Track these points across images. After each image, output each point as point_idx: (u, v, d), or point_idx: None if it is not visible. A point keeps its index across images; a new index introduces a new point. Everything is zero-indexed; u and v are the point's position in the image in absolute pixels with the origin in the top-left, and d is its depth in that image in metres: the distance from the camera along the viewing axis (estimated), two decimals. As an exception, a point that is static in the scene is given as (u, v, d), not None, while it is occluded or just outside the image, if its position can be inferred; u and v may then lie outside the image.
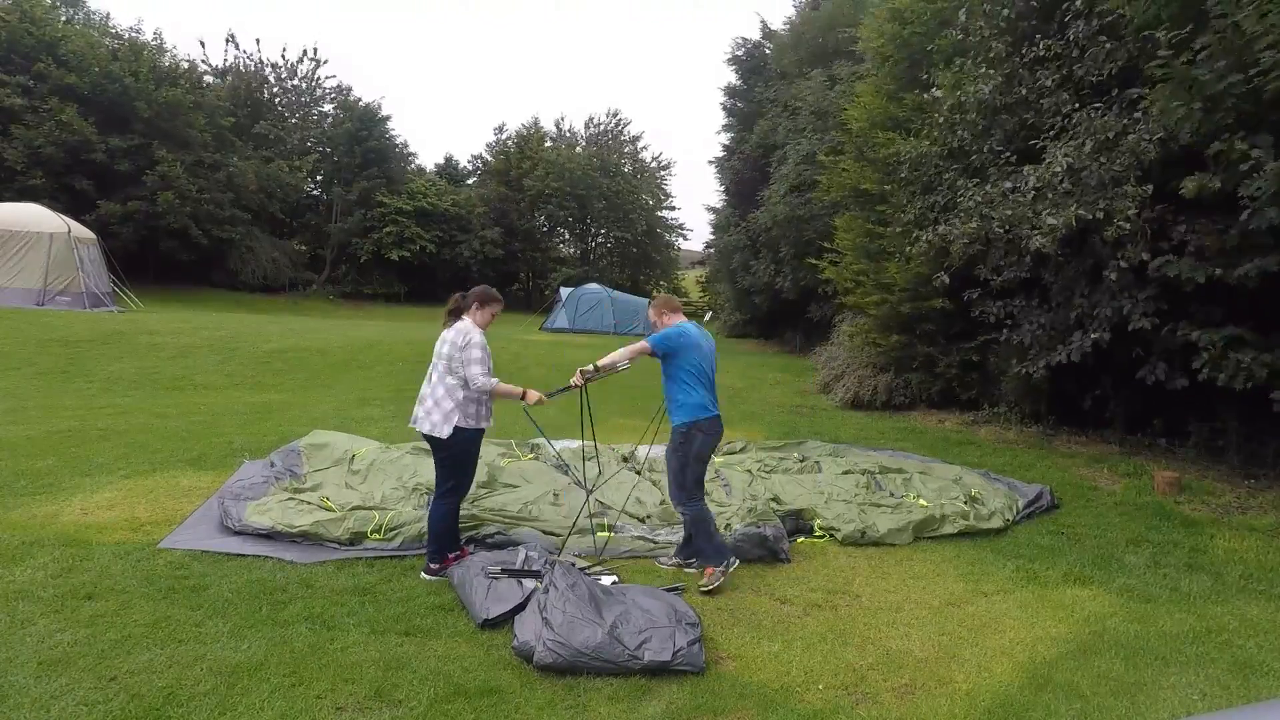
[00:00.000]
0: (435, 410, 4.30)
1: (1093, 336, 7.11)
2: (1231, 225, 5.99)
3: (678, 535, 5.09)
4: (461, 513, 5.12)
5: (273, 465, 6.03)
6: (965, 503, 5.91)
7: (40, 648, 3.28)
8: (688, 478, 4.44)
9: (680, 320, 4.61)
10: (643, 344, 4.50)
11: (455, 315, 4.46)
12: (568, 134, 40.42)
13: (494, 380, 4.33)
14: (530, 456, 6.97)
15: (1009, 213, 7.10)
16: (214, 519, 4.95)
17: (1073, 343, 7.35)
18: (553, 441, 7.45)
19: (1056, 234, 6.60)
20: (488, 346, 4.36)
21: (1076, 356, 7.29)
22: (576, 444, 7.42)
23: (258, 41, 44.67)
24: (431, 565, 4.32)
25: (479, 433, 4.41)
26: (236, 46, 40.83)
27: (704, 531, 4.42)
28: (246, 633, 3.53)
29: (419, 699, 3.08)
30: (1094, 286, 7.41)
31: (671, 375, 4.46)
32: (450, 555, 4.38)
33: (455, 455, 4.34)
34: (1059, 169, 6.64)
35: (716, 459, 7.24)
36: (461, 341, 4.28)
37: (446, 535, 4.38)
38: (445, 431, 4.25)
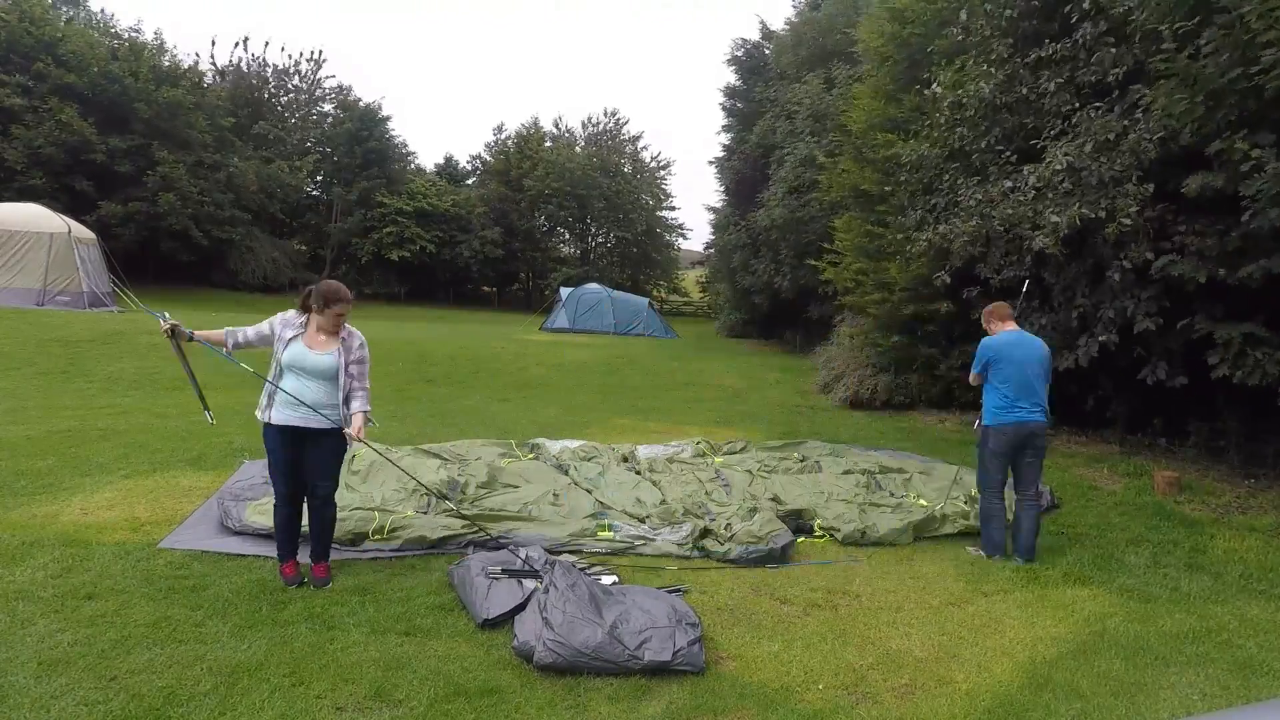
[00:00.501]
0: None
1: (1100, 339, 7.08)
2: (1232, 226, 5.98)
3: (678, 535, 5.09)
4: (462, 513, 5.12)
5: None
6: (965, 502, 5.91)
7: (40, 648, 3.28)
8: (984, 472, 5.05)
9: (1005, 329, 5.14)
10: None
11: (303, 311, 4.16)
12: (565, 134, 40.38)
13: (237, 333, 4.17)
14: (530, 456, 6.97)
15: (1009, 212, 7.10)
16: (214, 519, 4.95)
17: (1080, 347, 7.32)
18: (552, 442, 7.46)
19: (1059, 233, 6.59)
20: (283, 332, 4.07)
21: (1085, 361, 7.26)
22: (577, 444, 7.43)
23: (263, 43, 44.58)
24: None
25: (266, 426, 4.06)
26: (245, 49, 40.79)
27: (986, 523, 5.03)
28: (246, 633, 3.53)
29: (419, 699, 3.08)
30: (1096, 287, 7.40)
31: (986, 382, 5.11)
32: (285, 561, 4.14)
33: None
34: (1060, 167, 6.64)
35: (717, 459, 7.24)
36: None
37: (278, 535, 4.17)
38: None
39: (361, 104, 35.34)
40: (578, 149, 38.69)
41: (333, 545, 4.59)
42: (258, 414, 4.11)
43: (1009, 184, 7.36)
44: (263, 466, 6.05)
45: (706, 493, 5.97)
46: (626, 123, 44.17)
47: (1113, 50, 6.93)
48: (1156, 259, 6.49)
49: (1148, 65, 6.50)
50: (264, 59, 35.39)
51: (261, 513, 4.84)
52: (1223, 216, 6.20)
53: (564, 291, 24.43)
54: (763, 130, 20.44)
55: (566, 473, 6.38)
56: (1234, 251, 6.05)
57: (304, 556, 4.22)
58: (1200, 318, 6.47)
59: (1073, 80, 7.44)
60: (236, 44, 43.10)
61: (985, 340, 5.13)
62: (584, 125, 40.23)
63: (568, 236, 40.06)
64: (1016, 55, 8.07)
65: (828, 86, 16.39)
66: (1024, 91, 7.91)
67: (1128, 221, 6.30)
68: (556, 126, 40.27)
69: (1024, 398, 4.91)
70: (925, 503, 5.91)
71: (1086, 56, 7.23)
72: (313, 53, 42.20)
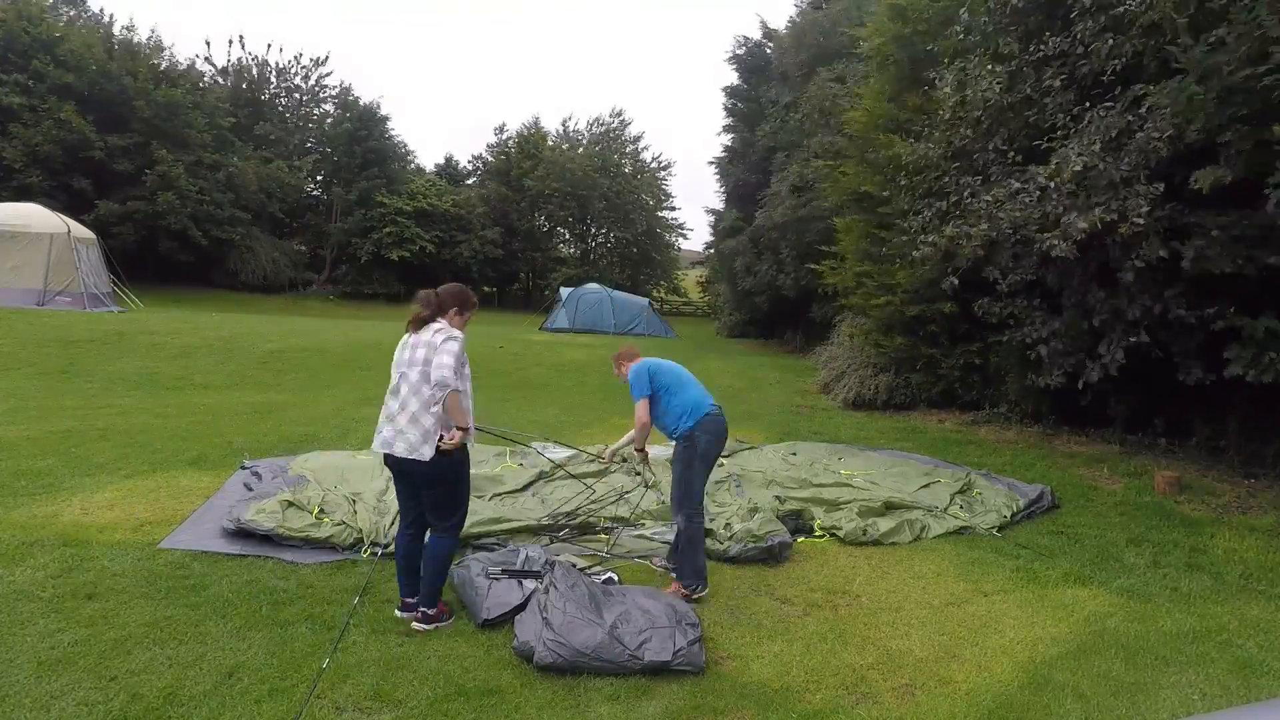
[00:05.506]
0: (412, 429, 3.58)
1: (1127, 341, 6.95)
2: (1244, 219, 5.94)
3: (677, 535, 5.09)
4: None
5: (260, 479, 5.83)
6: (961, 507, 5.93)
7: (40, 648, 3.28)
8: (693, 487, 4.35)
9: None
10: (638, 412, 4.36)
11: (426, 323, 3.76)
12: (572, 134, 40.34)
13: (462, 387, 3.65)
14: (519, 465, 6.88)
15: (1017, 214, 7.04)
16: (214, 519, 4.94)
17: (1103, 355, 7.16)
18: (543, 448, 7.42)
19: (1076, 237, 6.50)
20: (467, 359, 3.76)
21: (1114, 369, 7.07)
22: (568, 452, 7.28)
23: (265, 44, 44.77)
24: (428, 611, 3.71)
25: (464, 449, 3.73)
26: (243, 47, 40.99)
27: (697, 549, 4.30)
28: (246, 633, 3.53)
29: (419, 699, 3.08)
30: (1110, 290, 7.29)
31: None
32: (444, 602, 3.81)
33: (444, 478, 3.68)
34: (1076, 169, 6.54)
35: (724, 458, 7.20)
36: (445, 345, 3.60)
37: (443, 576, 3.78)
38: (426, 453, 3.57)
39: (361, 104, 35.33)
40: (580, 149, 38.64)
41: (337, 548, 4.61)
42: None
43: (1017, 185, 7.32)
44: (266, 466, 6.07)
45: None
46: (630, 124, 44.17)
47: (1110, 42, 6.90)
48: (1173, 259, 6.38)
49: (1146, 60, 6.46)
50: (264, 59, 35.45)
51: (262, 514, 4.83)
52: (1227, 209, 6.16)
53: (564, 291, 24.43)
54: (768, 131, 20.43)
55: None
56: (1248, 243, 5.98)
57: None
58: (1233, 312, 6.32)
59: (1074, 77, 7.41)
60: (231, 41, 43.09)
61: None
62: (589, 126, 40.17)
63: (568, 236, 40.03)
64: (1022, 51, 8.03)
65: (838, 82, 16.32)
66: (1028, 90, 7.87)
67: (1140, 222, 6.24)
68: (564, 127, 40.28)
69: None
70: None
71: (1084, 51, 7.20)
72: (315, 55, 42.15)
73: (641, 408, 4.35)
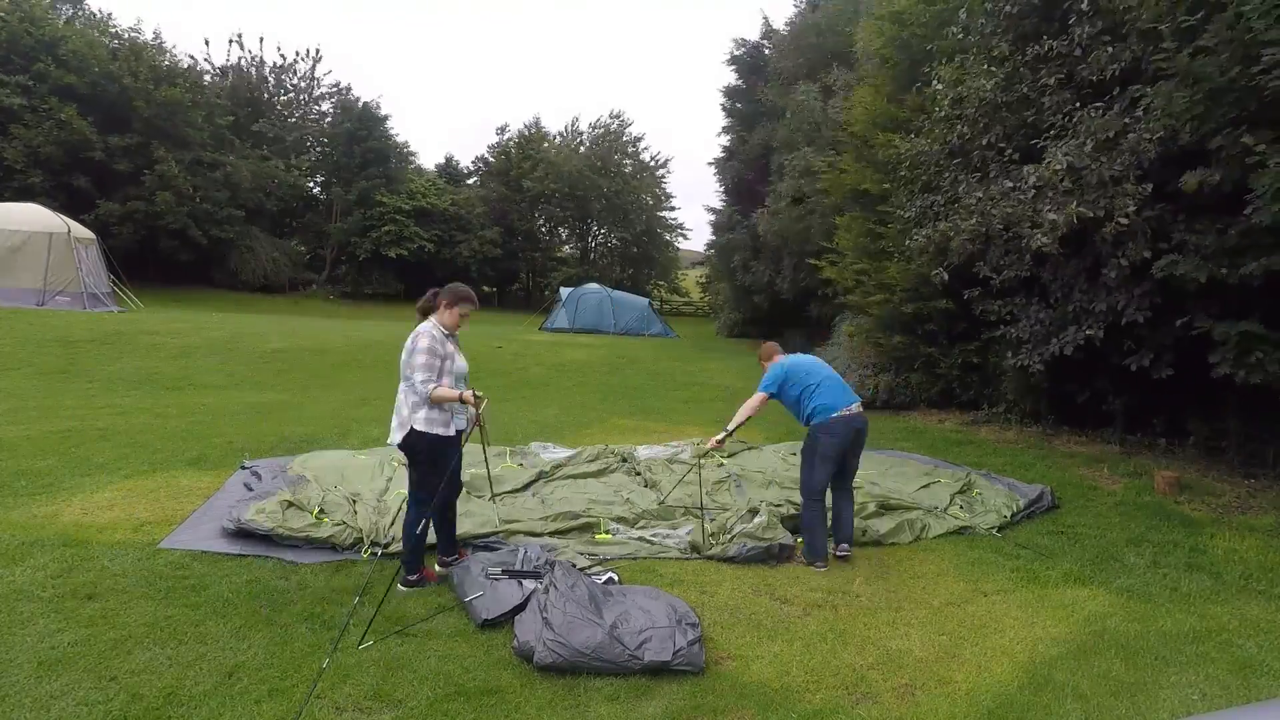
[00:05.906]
0: (394, 417, 4.16)
1: (1087, 333, 7.12)
2: (1231, 225, 5.98)
3: (676, 535, 5.09)
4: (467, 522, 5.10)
5: (260, 479, 5.84)
6: (961, 507, 5.92)
7: (40, 648, 3.28)
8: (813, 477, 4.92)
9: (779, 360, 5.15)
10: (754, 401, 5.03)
11: (424, 315, 4.24)
12: (572, 134, 40.29)
13: (431, 386, 4.01)
14: (519, 464, 6.88)
15: (1009, 210, 7.10)
16: (214, 519, 4.94)
17: (1065, 337, 7.37)
18: (543, 448, 7.43)
19: (1058, 231, 6.60)
20: (443, 348, 4.13)
21: (1069, 350, 7.31)
22: (566, 452, 7.28)
23: (260, 41, 44.59)
24: (409, 576, 4.16)
25: (438, 439, 4.10)
26: (241, 47, 40.95)
27: (813, 532, 4.85)
28: (246, 633, 3.53)
29: (419, 699, 3.08)
30: (1093, 284, 7.42)
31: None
32: (425, 567, 4.26)
33: (415, 461, 4.13)
34: (1059, 167, 6.64)
35: (725, 458, 7.21)
36: (410, 345, 4.10)
37: (420, 545, 4.17)
38: (397, 438, 4.10)
39: (360, 103, 35.31)
40: (582, 149, 38.61)
41: (336, 548, 4.62)
42: (435, 429, 4.09)
43: (1009, 183, 7.37)
44: (266, 466, 6.07)
45: (707, 493, 5.96)
46: (629, 125, 44.10)
47: (1109, 49, 6.94)
48: (1155, 258, 6.48)
49: (1145, 64, 6.49)
50: (262, 57, 35.44)
51: (261, 513, 4.83)
52: (1220, 215, 6.20)
53: (564, 291, 24.42)
54: (763, 135, 20.44)
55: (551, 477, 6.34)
56: (1233, 250, 6.04)
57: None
58: (1199, 315, 6.45)
59: (1071, 78, 7.44)
60: (231, 41, 43.01)
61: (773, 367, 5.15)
62: (590, 127, 40.10)
63: (567, 236, 40.03)
64: (1017, 53, 8.08)
65: (825, 94, 16.36)
66: (1024, 90, 7.91)
67: (1124, 221, 6.30)
68: (566, 130, 40.23)
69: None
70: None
71: (1083, 54, 7.23)
72: (312, 51, 41.99)
73: (758, 400, 5.06)
